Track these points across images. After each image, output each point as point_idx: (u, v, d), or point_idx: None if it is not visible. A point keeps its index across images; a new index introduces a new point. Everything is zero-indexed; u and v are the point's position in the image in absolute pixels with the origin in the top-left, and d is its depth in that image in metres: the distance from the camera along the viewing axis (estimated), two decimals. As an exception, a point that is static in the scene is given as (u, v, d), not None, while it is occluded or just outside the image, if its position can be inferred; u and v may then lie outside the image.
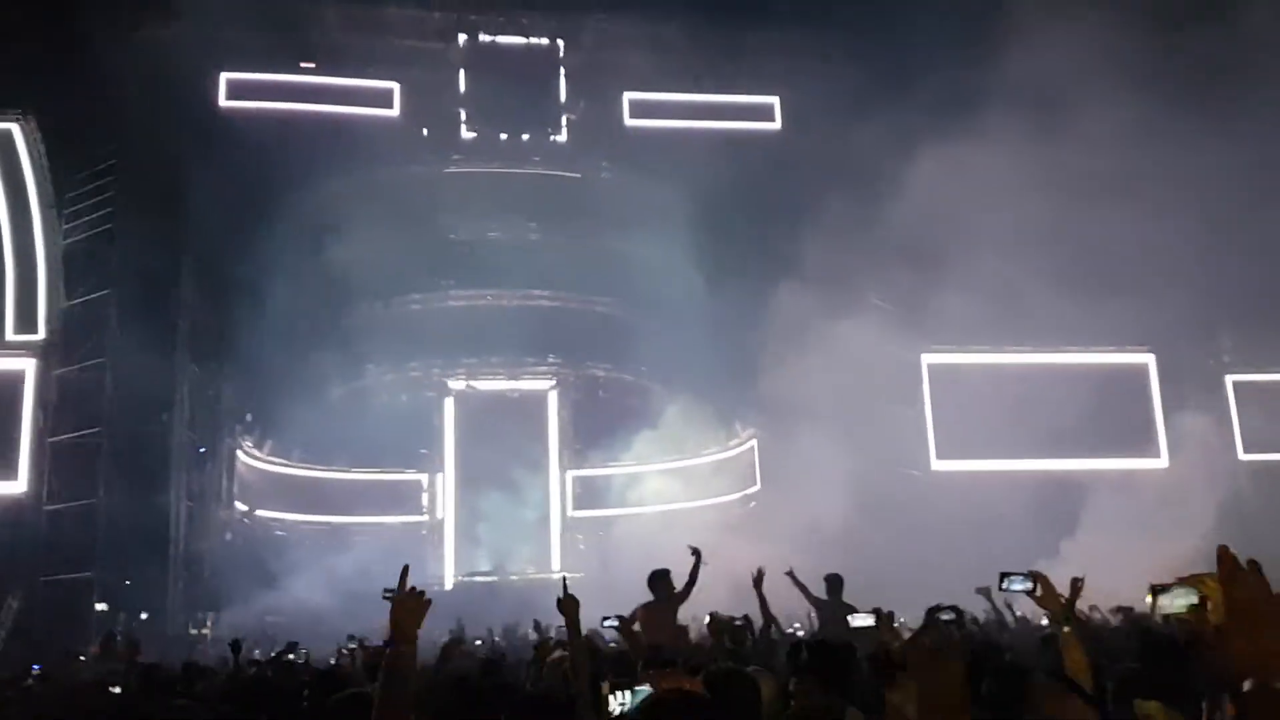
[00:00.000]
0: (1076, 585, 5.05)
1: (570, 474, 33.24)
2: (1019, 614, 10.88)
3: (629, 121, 32.33)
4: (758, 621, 9.34)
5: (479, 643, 15.44)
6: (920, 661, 2.55)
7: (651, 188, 32.91)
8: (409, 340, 32.92)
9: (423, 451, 33.04)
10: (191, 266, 28.38)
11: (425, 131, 32.55)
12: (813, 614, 11.72)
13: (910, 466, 27.52)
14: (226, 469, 29.53)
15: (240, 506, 29.63)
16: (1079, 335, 28.46)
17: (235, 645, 11.27)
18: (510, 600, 26.27)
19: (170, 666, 10.16)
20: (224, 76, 29.76)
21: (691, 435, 32.01)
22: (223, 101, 29.83)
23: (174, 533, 26.07)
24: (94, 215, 26.40)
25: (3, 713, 7.29)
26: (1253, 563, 2.09)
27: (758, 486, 30.53)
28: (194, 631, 26.19)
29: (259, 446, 31.19)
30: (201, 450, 28.48)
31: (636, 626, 8.52)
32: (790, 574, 10.90)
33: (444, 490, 32.53)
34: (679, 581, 10.06)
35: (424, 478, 32.98)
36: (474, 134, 32.55)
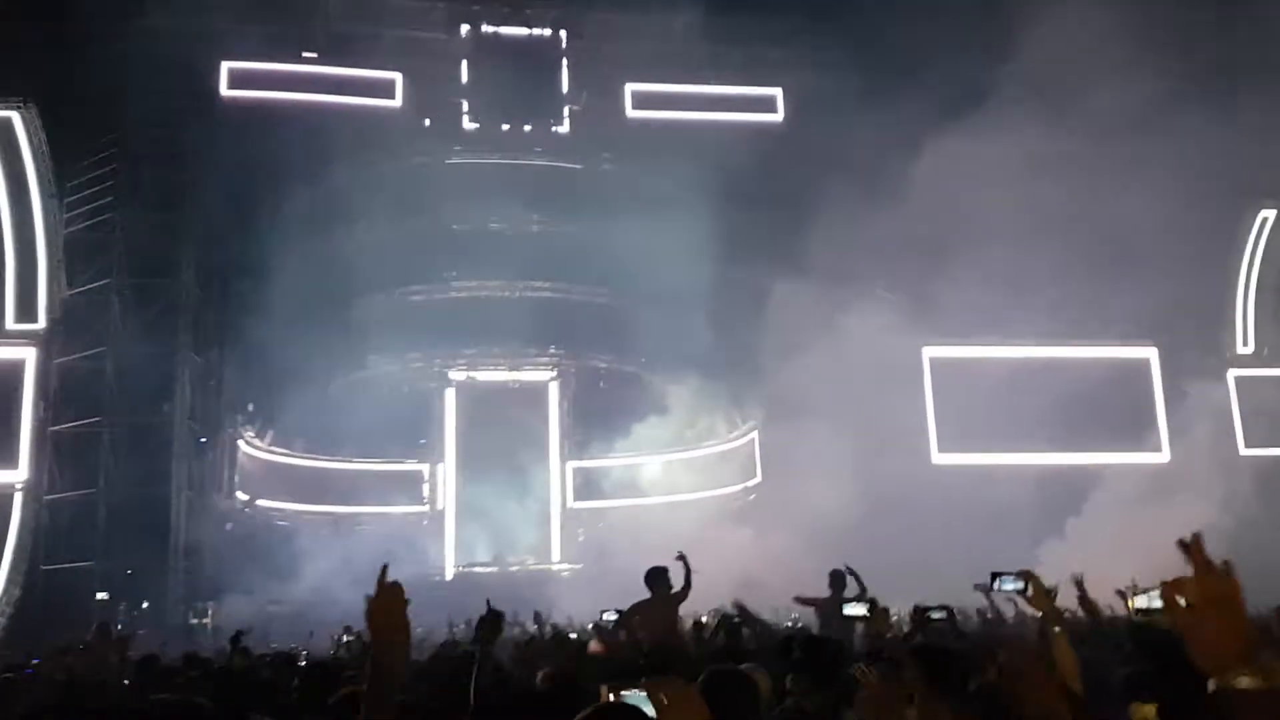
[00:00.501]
0: (1080, 585, 5.02)
1: (570, 465, 33.22)
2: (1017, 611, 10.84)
3: (631, 113, 32.26)
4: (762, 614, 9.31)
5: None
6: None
7: (653, 179, 32.89)
8: (410, 330, 32.88)
9: (423, 442, 33.05)
10: (192, 256, 28.34)
11: (427, 122, 32.51)
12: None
13: (911, 459, 27.48)
14: (228, 458, 29.53)
15: (241, 496, 29.64)
16: (1081, 329, 28.43)
17: (236, 637, 11.29)
18: (510, 591, 26.32)
19: (169, 657, 10.16)
20: (226, 65, 29.66)
21: (692, 427, 32.00)
22: (224, 91, 29.75)
23: (174, 522, 26.08)
24: (95, 204, 26.39)
25: (5, 702, 7.27)
26: (1226, 562, 2.09)
27: (758, 478, 30.53)
28: (194, 621, 26.21)
29: (260, 436, 31.19)
30: (203, 440, 28.48)
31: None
32: (798, 599, 10.87)
33: (444, 481, 32.52)
34: (676, 579, 10.02)
35: (425, 468, 32.98)
36: (476, 125, 32.50)
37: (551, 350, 33.95)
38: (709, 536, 25.01)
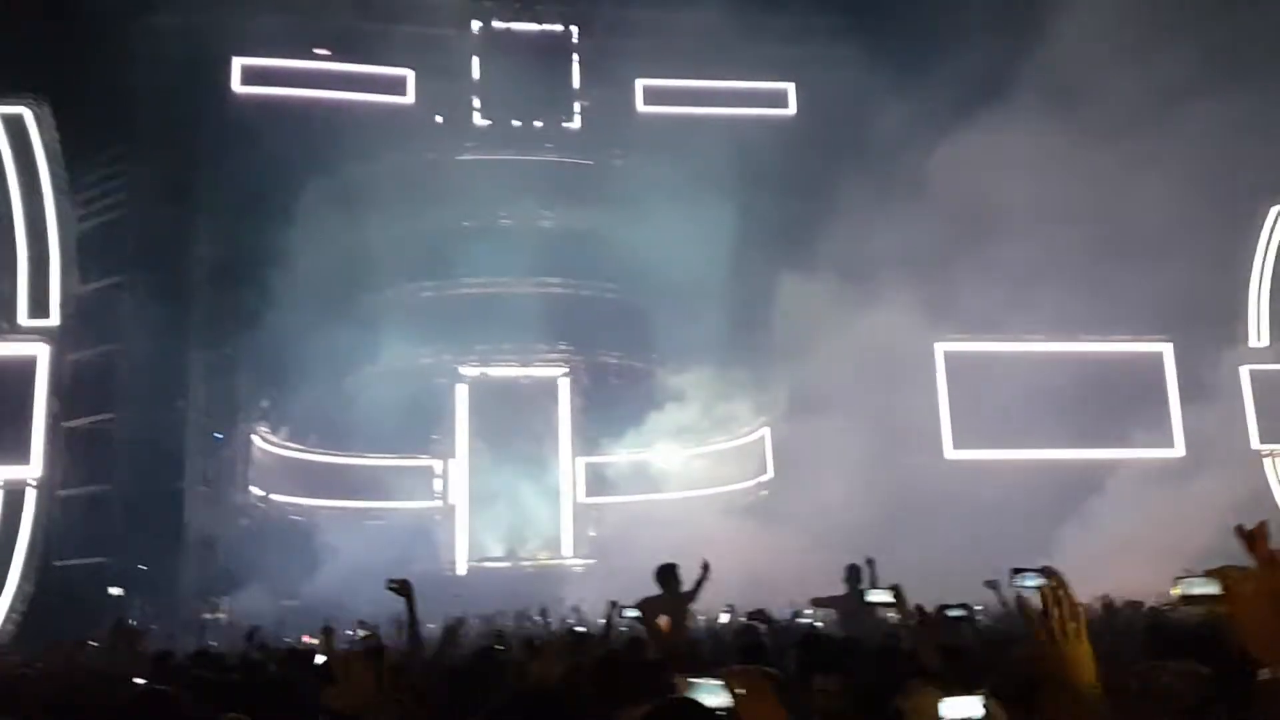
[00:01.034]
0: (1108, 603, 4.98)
1: (582, 460, 33.23)
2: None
3: (642, 108, 32.24)
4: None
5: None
6: None
7: (664, 174, 32.84)
8: (422, 326, 32.92)
9: (435, 437, 33.09)
10: (205, 252, 28.41)
11: (439, 118, 32.55)
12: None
13: (925, 455, 27.41)
14: (242, 454, 29.62)
15: (256, 491, 29.73)
16: (1095, 324, 28.32)
17: (250, 633, 11.33)
18: (522, 585, 26.37)
19: (181, 652, 10.20)
20: (238, 62, 29.75)
21: (703, 423, 31.96)
22: (237, 87, 29.82)
23: (188, 517, 26.17)
24: (108, 201, 26.46)
25: (18, 697, 7.28)
26: None
27: (770, 474, 30.48)
28: (208, 616, 26.30)
29: (274, 431, 31.29)
30: (218, 436, 28.58)
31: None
32: (816, 601, 10.84)
33: (457, 476, 32.58)
34: (687, 577, 10.01)
35: (437, 463, 33.03)
36: (487, 121, 32.53)
37: (562, 346, 33.94)
38: (720, 532, 25.02)
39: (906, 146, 27.53)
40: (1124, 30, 25.05)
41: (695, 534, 22.59)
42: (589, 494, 33.21)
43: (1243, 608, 2.04)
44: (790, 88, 32.53)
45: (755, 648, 6.86)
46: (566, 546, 32.34)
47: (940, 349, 28.61)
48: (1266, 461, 28.91)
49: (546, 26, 32.58)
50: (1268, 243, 29.76)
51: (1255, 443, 28.83)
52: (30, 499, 23.35)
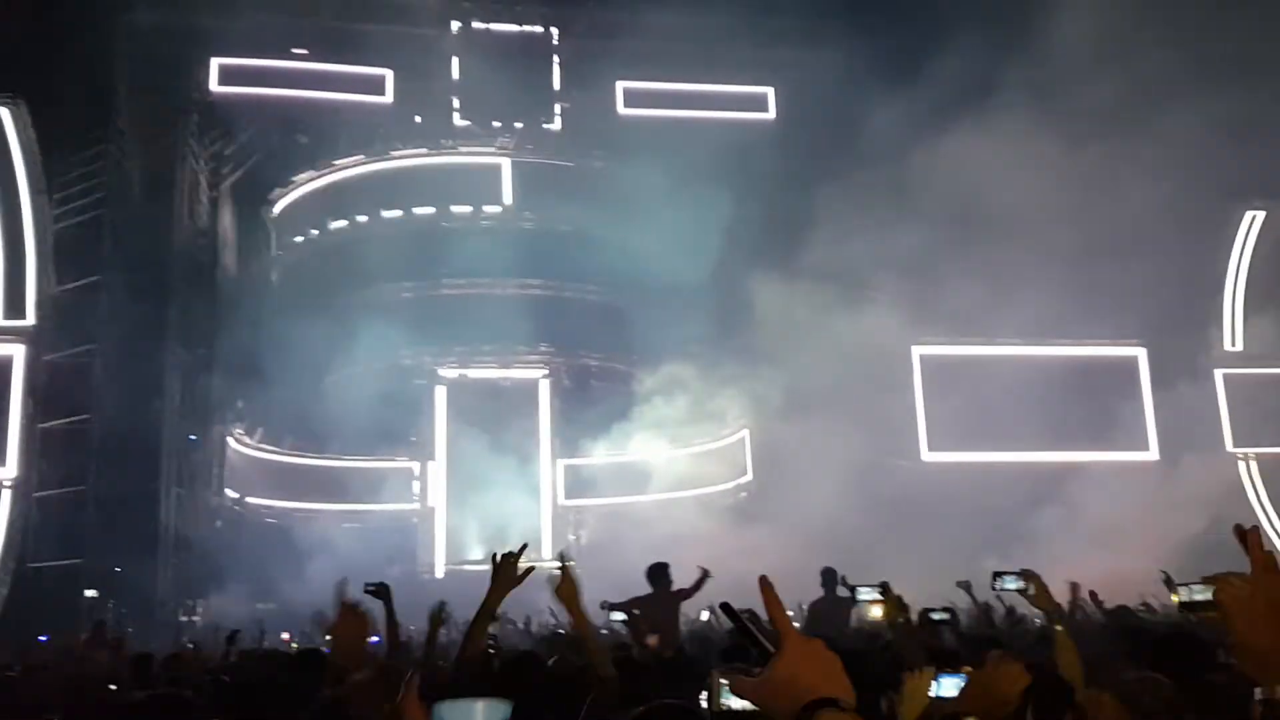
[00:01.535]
0: (1075, 589, 5.03)
1: (561, 462, 33.21)
2: (1009, 607, 10.86)
3: (623, 110, 32.24)
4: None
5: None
6: None
7: (645, 176, 32.88)
8: (401, 327, 32.85)
9: (413, 439, 33.01)
10: (182, 253, 28.27)
11: (418, 119, 32.48)
12: (804, 605, 11.67)
13: (901, 457, 27.54)
14: (217, 456, 29.48)
15: (231, 494, 29.58)
16: (1069, 328, 28.51)
17: (231, 637, 11.30)
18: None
19: (159, 654, 10.16)
20: (215, 62, 29.58)
21: (683, 425, 32.00)
22: (214, 87, 29.66)
23: (164, 519, 26.03)
24: (85, 200, 26.28)
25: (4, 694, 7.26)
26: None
27: (749, 476, 30.55)
28: (183, 619, 26.17)
29: (250, 434, 31.14)
30: (193, 438, 28.42)
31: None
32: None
33: (435, 478, 32.49)
34: (684, 575, 10.06)
35: (415, 465, 32.93)
36: (467, 122, 32.46)
37: (542, 348, 33.91)
38: (700, 534, 25.08)
39: (886, 150, 27.65)
40: (1102, 35, 25.23)
41: (675, 535, 22.66)
42: (569, 496, 33.20)
43: (1239, 620, 1.92)
44: (770, 92, 32.60)
45: (743, 649, 6.85)
46: (546, 548, 32.29)
47: (917, 352, 28.75)
48: (1240, 465, 29.19)
49: (527, 28, 32.54)
50: (1242, 247, 30.05)
51: (1229, 446, 29.11)
52: (5, 500, 23.21)
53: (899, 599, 6.14)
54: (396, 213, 33.37)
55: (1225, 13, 25.81)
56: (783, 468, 26.98)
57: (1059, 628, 4.11)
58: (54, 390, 24.96)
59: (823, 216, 27.96)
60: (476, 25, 32.25)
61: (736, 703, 2.68)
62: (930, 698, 3.19)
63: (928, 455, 28.10)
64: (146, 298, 26.87)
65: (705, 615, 12.63)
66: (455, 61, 32.10)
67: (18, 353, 23.83)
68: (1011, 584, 4.57)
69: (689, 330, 30.89)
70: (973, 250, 25.42)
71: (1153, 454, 28.73)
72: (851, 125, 29.01)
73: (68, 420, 25.02)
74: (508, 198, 33.42)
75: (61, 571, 24.07)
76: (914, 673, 3.38)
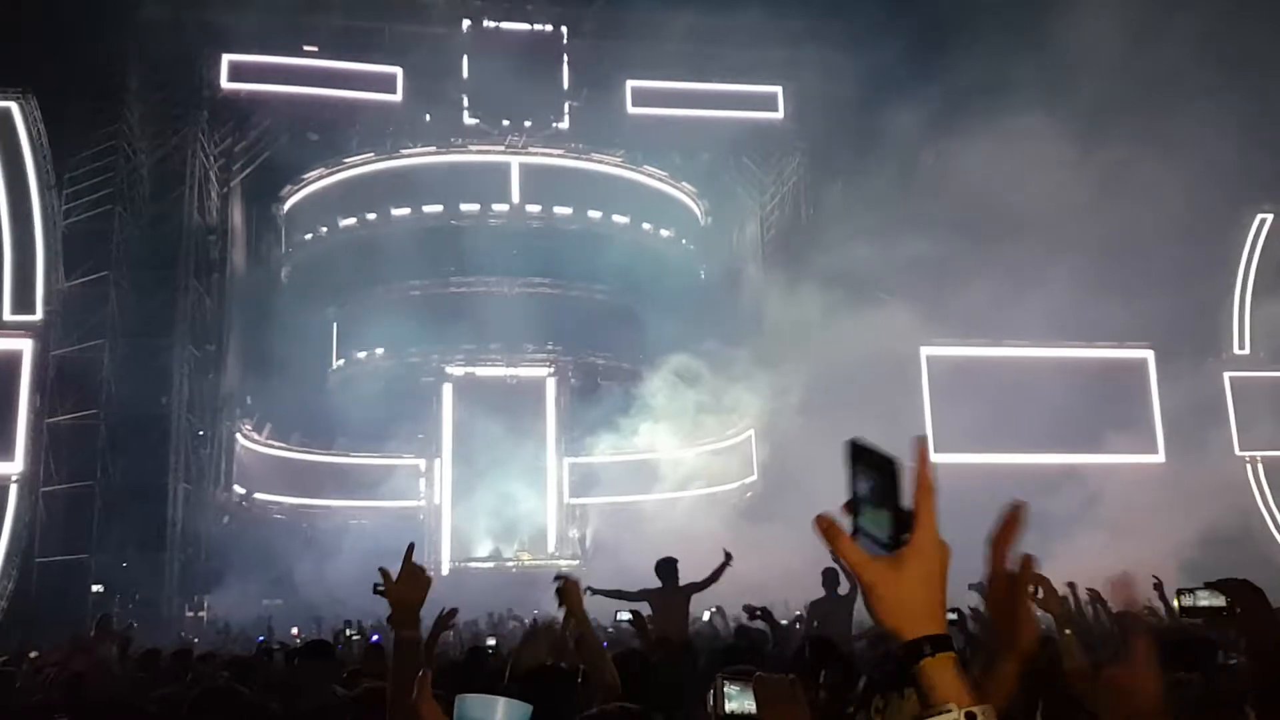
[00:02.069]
0: (1074, 589, 5.02)
1: (567, 461, 33.26)
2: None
3: (631, 109, 32.24)
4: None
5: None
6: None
7: (653, 176, 32.98)
8: (408, 325, 32.95)
9: (420, 436, 33.06)
10: (191, 248, 28.30)
11: (428, 117, 32.51)
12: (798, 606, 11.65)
13: (908, 459, 27.44)
14: (225, 452, 29.52)
15: (238, 489, 29.64)
16: (1078, 330, 28.43)
17: (224, 627, 11.30)
18: (506, 587, 26.32)
19: (166, 650, 10.19)
20: (226, 58, 29.62)
21: (689, 424, 32.02)
22: (224, 83, 29.71)
23: (171, 515, 26.07)
24: (94, 196, 26.33)
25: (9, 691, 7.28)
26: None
27: (755, 477, 30.53)
28: (189, 614, 26.21)
29: (258, 430, 31.21)
30: (200, 433, 28.46)
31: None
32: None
33: (441, 476, 32.54)
34: (690, 574, 10.03)
35: (421, 463, 33.00)
36: (476, 120, 32.48)
37: (549, 346, 33.99)
38: (706, 533, 25.04)
39: (894, 151, 27.62)
40: (1114, 37, 25.15)
41: (680, 534, 22.62)
42: (574, 494, 33.24)
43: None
44: (779, 91, 32.58)
45: (749, 649, 6.84)
46: (551, 547, 32.34)
47: (924, 353, 28.69)
48: (1248, 467, 29.12)
49: (537, 26, 32.54)
50: (1251, 251, 29.97)
51: (1237, 449, 29.04)
52: (12, 495, 23.26)
53: None
54: (405, 210, 33.46)
55: (1236, 15, 25.72)
56: (789, 468, 26.94)
57: (1067, 631, 4.09)
58: (62, 385, 25.04)
59: (831, 217, 27.95)
60: (487, 24, 32.27)
61: (738, 707, 2.68)
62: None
63: (934, 457, 27.89)
64: (155, 293, 26.94)
65: (706, 616, 12.61)
66: (465, 60, 32.12)
67: (26, 347, 23.89)
68: None
69: (696, 329, 30.92)
70: (981, 251, 25.34)
71: (1160, 456, 28.65)
72: (860, 126, 29.02)
73: (75, 415, 25.08)
74: (516, 196, 33.47)
75: (68, 566, 24.13)
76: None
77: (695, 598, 10.21)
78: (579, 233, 34.07)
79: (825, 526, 1.64)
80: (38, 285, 24.32)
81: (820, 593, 10.84)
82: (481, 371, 33.57)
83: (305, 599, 24.37)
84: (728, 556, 10.17)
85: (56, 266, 24.78)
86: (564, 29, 32.63)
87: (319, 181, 33.96)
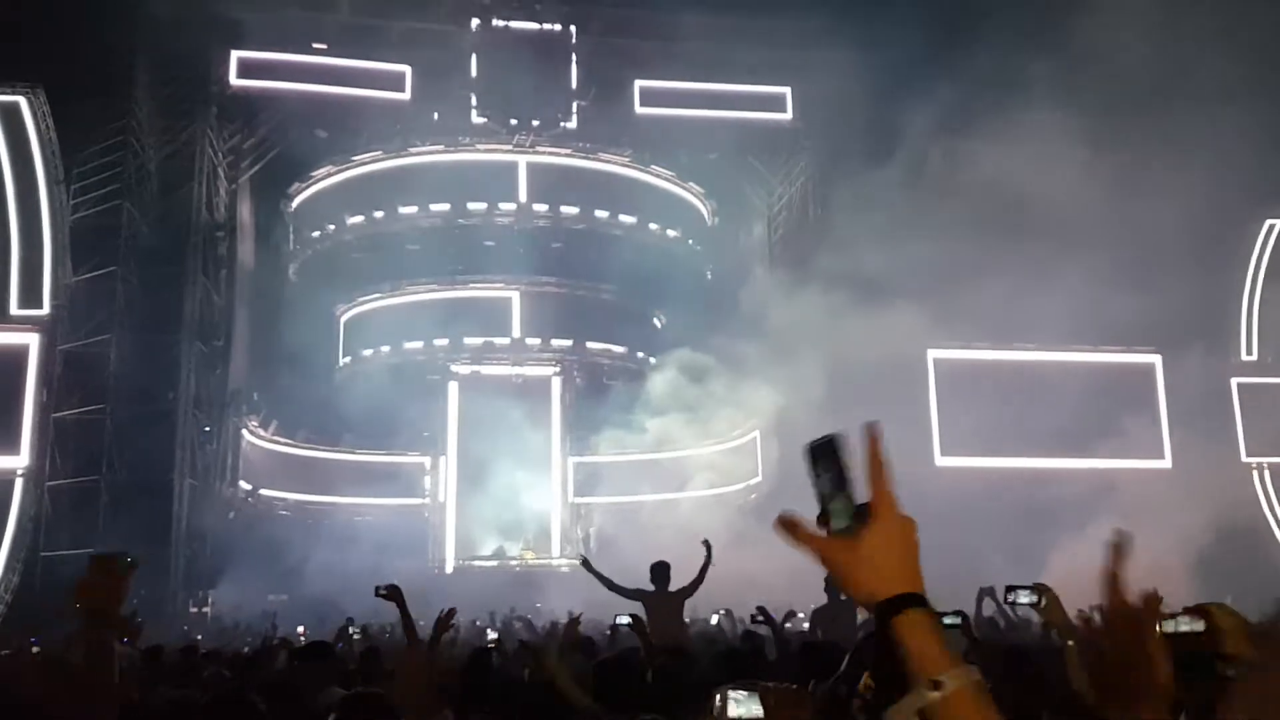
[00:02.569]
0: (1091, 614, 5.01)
1: (572, 460, 33.25)
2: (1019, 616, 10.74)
3: (639, 109, 32.24)
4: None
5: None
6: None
7: (660, 175, 32.95)
8: (415, 323, 32.97)
9: (425, 434, 33.09)
10: (198, 244, 28.35)
11: (436, 115, 32.54)
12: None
13: (914, 462, 27.39)
14: (231, 448, 29.53)
15: (244, 485, 29.67)
16: (1086, 334, 28.37)
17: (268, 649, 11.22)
18: (510, 586, 26.33)
19: (171, 646, 10.19)
20: (235, 55, 29.66)
21: (695, 425, 32.00)
22: (233, 80, 29.75)
23: (176, 510, 26.10)
24: (102, 191, 26.38)
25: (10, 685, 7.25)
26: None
27: (760, 478, 30.49)
28: (194, 610, 26.24)
29: (264, 426, 31.24)
30: (206, 429, 28.49)
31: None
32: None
33: (446, 474, 32.55)
34: (680, 575, 9.99)
35: (426, 461, 33.02)
36: (484, 119, 32.50)
37: (555, 345, 33.98)
38: (710, 534, 24.96)
39: (902, 153, 27.58)
40: (1125, 44, 25.09)
41: (684, 534, 22.58)
42: (579, 494, 33.23)
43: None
44: (787, 92, 32.55)
45: (750, 654, 6.81)
46: (555, 546, 32.33)
47: (931, 355, 28.64)
48: (1254, 474, 29.05)
49: (545, 26, 32.54)
50: (1259, 256, 29.90)
51: (1244, 455, 28.96)
52: (18, 489, 23.31)
53: None
54: (413, 209, 33.47)
55: (1246, 23, 25.64)
56: (794, 469, 26.78)
57: (1070, 643, 4.07)
58: (68, 379, 25.09)
59: (838, 218, 27.90)
60: (496, 23, 32.29)
61: (744, 712, 2.66)
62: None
63: (941, 460, 27.96)
64: (162, 289, 26.98)
65: (715, 619, 12.55)
66: (474, 58, 32.15)
67: (33, 341, 23.95)
68: (1025, 598, 4.52)
69: (702, 330, 30.90)
70: (989, 254, 25.28)
71: (1166, 462, 28.58)
72: (869, 127, 28.98)
73: (81, 410, 25.13)
74: (524, 195, 33.48)
75: (73, 561, 24.14)
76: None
77: (704, 598, 10.16)
78: (586, 232, 34.06)
79: (784, 523, 1.64)
80: (45, 280, 24.37)
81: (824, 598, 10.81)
82: (487, 370, 33.58)
83: (310, 595, 24.36)
84: (708, 548, 10.09)
85: (64, 261, 24.84)
86: (572, 28, 32.64)
87: (327, 179, 33.99)
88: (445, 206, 33.24)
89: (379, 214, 33.93)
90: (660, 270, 33.55)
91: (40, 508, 23.90)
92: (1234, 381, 29.50)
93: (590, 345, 34.34)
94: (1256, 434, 28.85)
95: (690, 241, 36.17)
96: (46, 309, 24.33)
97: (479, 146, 33.07)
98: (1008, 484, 26.11)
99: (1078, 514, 25.13)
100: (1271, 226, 29.88)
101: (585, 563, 10.79)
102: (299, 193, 34.37)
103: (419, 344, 33.60)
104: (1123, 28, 24.86)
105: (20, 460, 23.45)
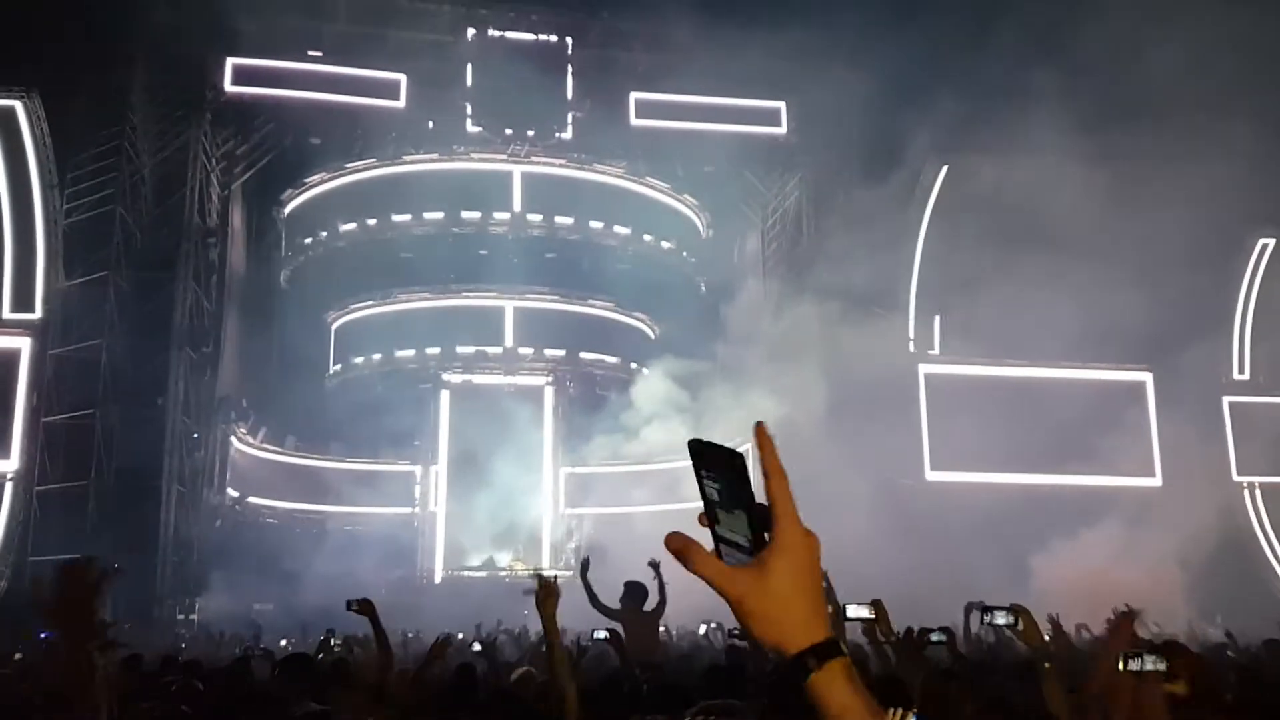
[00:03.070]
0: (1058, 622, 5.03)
1: (563, 471, 33.18)
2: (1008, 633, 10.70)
3: (635, 121, 32.28)
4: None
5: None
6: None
7: (654, 187, 32.96)
8: (407, 331, 32.92)
9: (416, 443, 33.00)
10: (191, 250, 28.30)
11: (431, 124, 32.55)
12: None
13: (905, 476, 27.42)
14: (219, 455, 29.43)
15: (232, 493, 29.56)
16: (1077, 351, 28.42)
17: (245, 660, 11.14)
18: (499, 596, 26.25)
19: (152, 655, 10.13)
20: (230, 61, 29.65)
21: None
22: (228, 86, 29.73)
23: (164, 517, 26.00)
24: (95, 196, 26.35)
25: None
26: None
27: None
28: (180, 617, 26.12)
29: (252, 434, 31.14)
30: (195, 436, 28.40)
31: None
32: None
33: (436, 483, 32.46)
34: (669, 587, 9.97)
35: (417, 470, 32.93)
36: (479, 128, 32.52)
37: (548, 355, 33.95)
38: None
39: (896, 168, 27.66)
40: (1115, 59, 25.21)
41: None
42: (570, 504, 33.15)
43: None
44: (782, 106, 32.62)
45: (730, 669, 6.79)
46: (545, 557, 32.23)
47: (922, 370, 28.68)
48: (1245, 493, 29.09)
49: (541, 36, 32.60)
50: (1252, 275, 29.99)
51: (1235, 474, 29.01)
52: (7, 493, 23.24)
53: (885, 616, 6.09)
54: (406, 217, 33.47)
55: (1240, 43, 25.76)
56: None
57: (1046, 665, 4.07)
58: (59, 384, 25.03)
59: (831, 233, 27.95)
60: (492, 33, 32.34)
61: None
62: None
63: (931, 475, 27.99)
64: (154, 294, 26.93)
65: (703, 629, 12.52)
66: (469, 68, 32.18)
67: (24, 345, 23.92)
68: (1001, 619, 4.52)
69: (694, 342, 30.91)
70: (982, 271, 25.36)
71: (1157, 480, 28.62)
72: (864, 141, 29.06)
73: (72, 414, 25.05)
74: (518, 205, 33.50)
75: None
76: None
77: (692, 611, 10.13)
78: (580, 242, 34.08)
79: (677, 546, 1.50)
80: (37, 284, 24.34)
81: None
82: (479, 379, 33.52)
83: (296, 604, 24.27)
84: (655, 569, 10.07)
85: (56, 265, 24.81)
86: (569, 39, 32.70)
87: (320, 186, 33.99)
88: (439, 215, 33.24)
89: (372, 221, 33.91)
90: (654, 281, 33.58)
91: (29, 512, 23.81)
92: (1225, 400, 29.57)
93: (583, 355, 34.31)
94: (1248, 453, 28.90)
95: (684, 253, 36.21)
96: (39, 313, 24.30)
97: (473, 156, 33.07)
98: (997, 499, 26.11)
99: (1067, 530, 25.19)
100: (1265, 245, 29.98)
101: (584, 570, 10.79)
102: (292, 199, 34.36)
103: (411, 352, 33.54)
104: (1118, 46, 24.99)
105: (10, 464, 23.39)
